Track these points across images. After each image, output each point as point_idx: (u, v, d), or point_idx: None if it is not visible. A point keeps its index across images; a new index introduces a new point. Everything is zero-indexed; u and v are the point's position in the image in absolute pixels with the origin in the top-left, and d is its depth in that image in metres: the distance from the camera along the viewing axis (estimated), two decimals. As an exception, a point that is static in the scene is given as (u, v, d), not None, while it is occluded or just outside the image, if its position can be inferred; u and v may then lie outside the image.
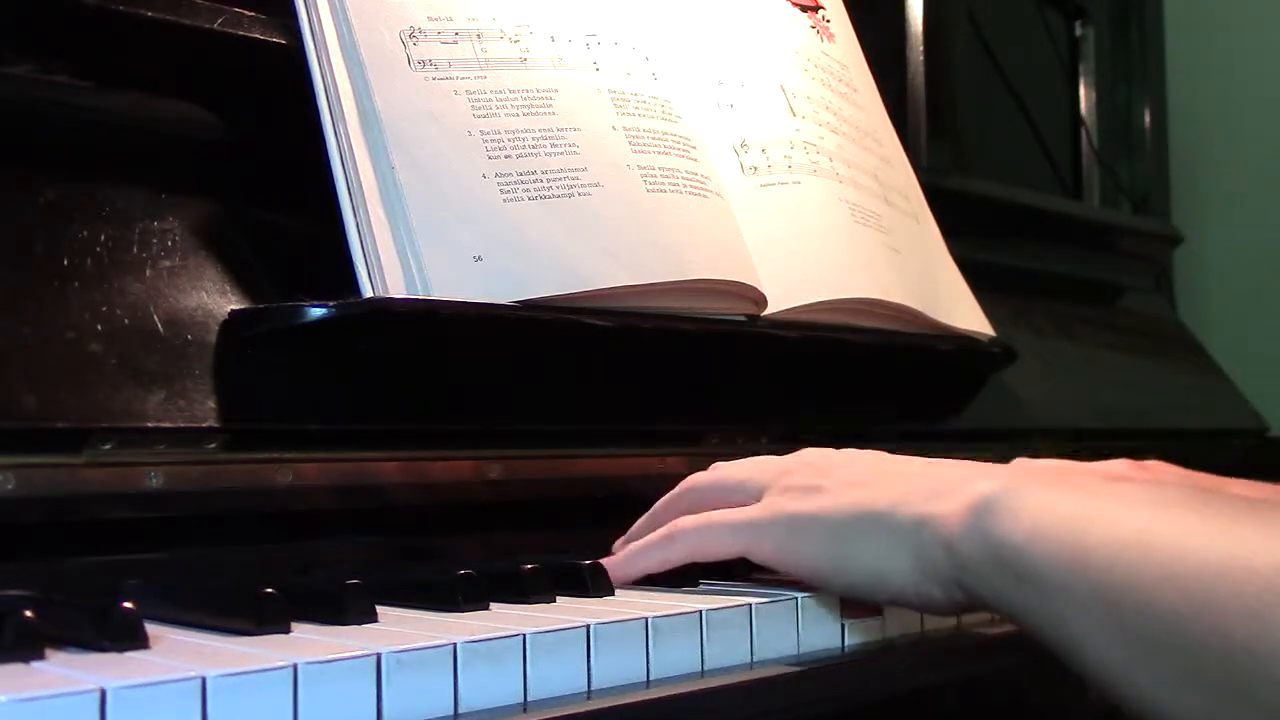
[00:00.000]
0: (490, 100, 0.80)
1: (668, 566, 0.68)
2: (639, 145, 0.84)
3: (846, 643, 0.65)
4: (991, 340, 1.09)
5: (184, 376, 0.69)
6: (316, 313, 0.71)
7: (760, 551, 0.66)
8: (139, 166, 0.74)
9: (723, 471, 0.72)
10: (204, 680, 0.43)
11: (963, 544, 0.59)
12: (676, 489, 0.73)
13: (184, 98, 0.78)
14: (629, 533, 0.73)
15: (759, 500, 0.68)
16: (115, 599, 0.50)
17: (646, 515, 0.73)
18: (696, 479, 0.72)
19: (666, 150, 0.85)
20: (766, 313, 0.89)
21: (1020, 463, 0.72)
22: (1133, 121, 1.79)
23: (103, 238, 0.70)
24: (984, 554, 0.58)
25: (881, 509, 0.63)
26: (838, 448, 0.71)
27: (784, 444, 0.95)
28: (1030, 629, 0.58)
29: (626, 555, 0.69)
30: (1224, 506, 0.54)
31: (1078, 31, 1.72)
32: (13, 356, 0.63)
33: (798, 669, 0.60)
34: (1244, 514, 0.53)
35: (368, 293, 0.72)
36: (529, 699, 0.51)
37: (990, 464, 0.64)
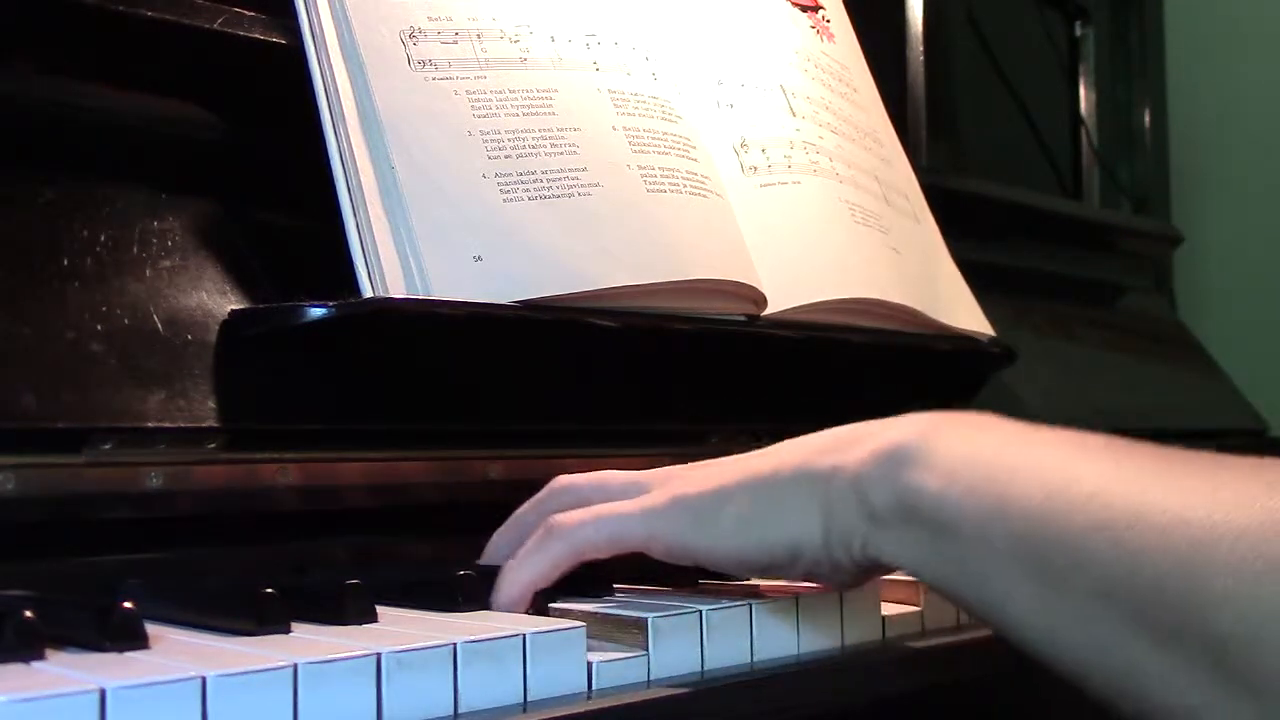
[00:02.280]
0: (490, 100, 0.80)
1: (556, 572, 0.61)
2: (639, 145, 0.84)
3: (846, 643, 0.65)
4: (991, 340, 1.09)
5: (184, 376, 0.69)
6: (317, 313, 0.71)
7: (661, 541, 0.60)
8: (139, 166, 0.74)
9: (605, 474, 0.66)
10: (204, 680, 0.43)
11: (874, 495, 0.55)
12: (545, 490, 0.67)
13: (184, 98, 0.78)
14: (489, 544, 0.68)
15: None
16: (115, 599, 0.50)
17: (509, 521, 0.68)
18: (571, 480, 0.66)
19: (666, 150, 0.85)
20: (766, 313, 0.89)
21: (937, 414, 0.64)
22: (1133, 121, 1.79)
23: (103, 238, 0.70)
24: (896, 505, 0.54)
25: (783, 469, 0.58)
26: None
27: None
28: (946, 587, 0.55)
29: (506, 573, 0.61)
30: (1151, 453, 0.51)
31: (1078, 31, 1.72)
32: (13, 356, 0.63)
33: (798, 669, 0.60)
34: (1173, 462, 0.50)
35: (368, 293, 0.72)
36: (529, 699, 0.51)
37: (902, 416, 0.58)
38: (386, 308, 0.72)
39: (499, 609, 0.60)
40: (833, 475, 0.57)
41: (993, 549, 0.52)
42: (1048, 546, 0.50)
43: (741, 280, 0.85)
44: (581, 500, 0.64)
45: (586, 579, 0.64)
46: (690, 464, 0.64)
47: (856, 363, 0.98)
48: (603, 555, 0.62)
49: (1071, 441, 0.54)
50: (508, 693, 0.51)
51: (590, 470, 0.68)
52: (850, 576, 0.60)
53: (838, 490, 0.57)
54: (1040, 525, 0.50)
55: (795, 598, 0.63)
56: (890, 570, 0.60)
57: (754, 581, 0.68)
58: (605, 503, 0.63)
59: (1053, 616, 0.51)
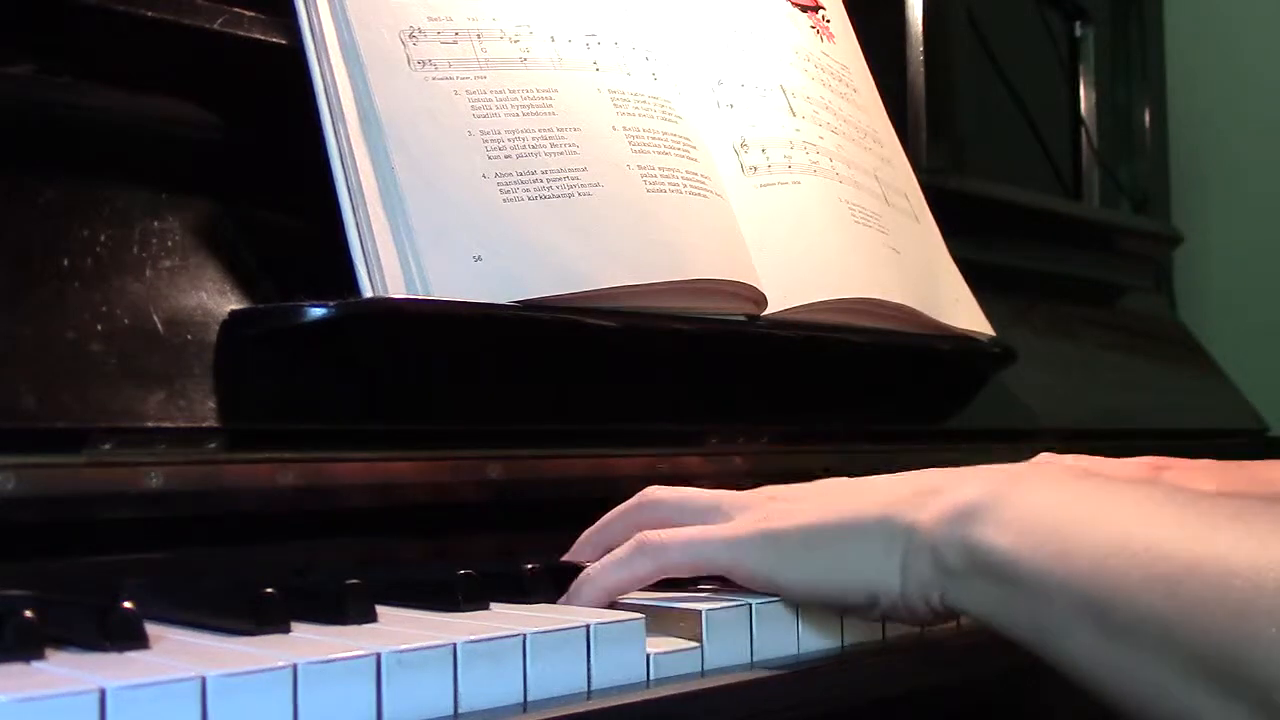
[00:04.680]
0: (490, 100, 0.80)
1: (637, 585, 0.64)
2: (639, 145, 0.84)
3: (846, 643, 0.65)
4: (991, 340, 1.09)
5: (184, 376, 0.69)
6: (317, 312, 0.71)
7: (743, 569, 0.63)
8: (139, 166, 0.74)
9: (690, 492, 0.69)
10: (204, 680, 0.43)
11: (947, 551, 0.58)
12: (634, 501, 0.69)
13: (184, 98, 0.78)
14: (576, 544, 0.70)
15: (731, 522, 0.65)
16: (115, 599, 0.50)
17: (598, 525, 0.70)
18: (659, 494, 0.69)
19: (666, 150, 0.85)
20: (766, 313, 0.89)
21: (1015, 466, 0.70)
22: (1133, 121, 1.79)
23: (103, 238, 0.70)
24: (968, 560, 0.58)
25: (866, 518, 0.61)
26: (838, 448, 0.71)
27: (784, 444, 0.95)
28: (1018, 637, 0.57)
29: (595, 571, 0.64)
30: (1208, 507, 0.54)
31: (1078, 31, 1.72)
32: (13, 356, 0.63)
33: (797, 669, 0.60)
34: (1227, 513, 0.53)
35: (368, 293, 0.72)
36: (529, 699, 0.51)
37: (977, 467, 0.62)
38: (386, 308, 0.72)
39: (578, 604, 0.63)
40: (911, 531, 0.60)
41: (1057, 602, 0.54)
42: (1108, 600, 0.53)
43: (741, 280, 0.85)
44: (659, 518, 0.67)
45: None
46: (778, 488, 0.67)
47: (856, 363, 0.98)
48: (684, 576, 0.65)
49: (1133, 496, 0.56)
50: (508, 692, 0.51)
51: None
52: (924, 620, 0.62)
53: (915, 546, 0.60)
54: (1101, 579, 0.53)
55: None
56: (965, 616, 0.63)
57: None
58: (691, 524, 0.65)
59: (1113, 665, 0.53)
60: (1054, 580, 0.54)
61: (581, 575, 0.65)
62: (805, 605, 0.63)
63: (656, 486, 0.69)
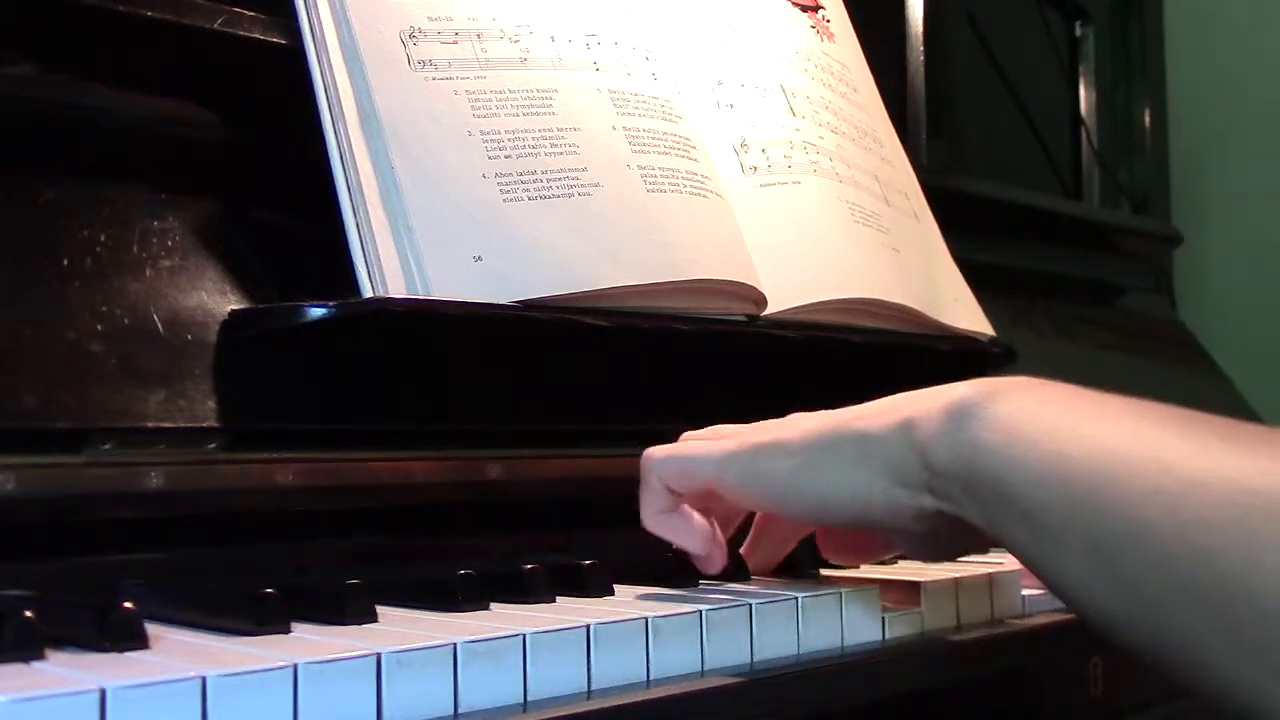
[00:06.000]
0: (490, 100, 0.80)
1: (659, 502, 0.66)
2: (639, 145, 0.84)
3: (846, 643, 0.65)
4: (991, 340, 1.09)
5: (184, 376, 0.69)
6: (317, 313, 0.71)
7: (728, 480, 0.64)
8: (139, 166, 0.74)
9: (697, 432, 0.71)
10: (204, 680, 0.43)
11: (938, 448, 0.56)
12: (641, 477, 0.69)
13: (184, 98, 0.77)
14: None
15: None
16: (115, 599, 0.50)
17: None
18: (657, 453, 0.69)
19: (666, 150, 0.85)
20: (766, 313, 0.89)
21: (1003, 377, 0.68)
22: (1133, 121, 1.79)
23: (103, 238, 0.70)
24: (959, 459, 0.55)
25: (850, 421, 0.61)
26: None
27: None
28: (1005, 542, 0.55)
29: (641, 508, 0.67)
30: (1218, 425, 0.51)
31: (1078, 31, 1.72)
32: (13, 356, 0.63)
33: (798, 669, 0.60)
34: (1235, 433, 0.50)
35: (368, 293, 0.72)
36: (529, 699, 0.51)
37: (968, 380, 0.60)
38: (386, 308, 0.72)
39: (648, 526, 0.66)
40: (898, 428, 0.58)
41: (1049, 509, 0.52)
42: (1103, 510, 0.50)
43: (741, 280, 0.85)
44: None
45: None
46: (775, 420, 0.67)
47: (856, 363, 0.98)
48: (685, 490, 0.66)
49: (1134, 408, 0.54)
50: (508, 692, 0.51)
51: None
52: (907, 522, 0.60)
53: (902, 442, 0.58)
54: (1098, 487, 0.51)
55: (796, 598, 0.63)
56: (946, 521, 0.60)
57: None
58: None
59: (1104, 582, 0.51)
60: (1047, 487, 0.52)
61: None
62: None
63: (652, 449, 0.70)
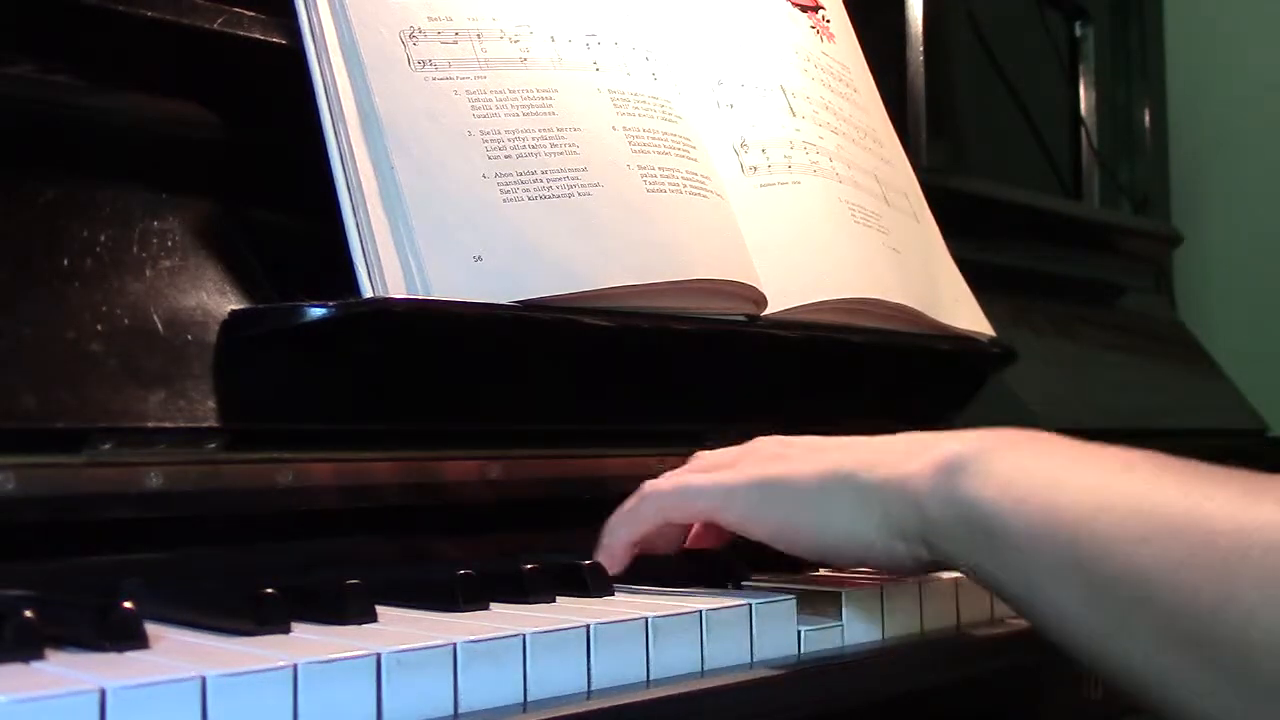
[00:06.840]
0: (490, 100, 0.80)
1: (645, 528, 0.68)
2: (639, 145, 0.84)
3: (846, 643, 0.65)
4: (991, 340, 1.09)
5: (184, 376, 0.69)
6: (317, 313, 0.71)
7: (730, 513, 0.66)
8: (139, 166, 0.74)
9: (699, 454, 0.72)
10: (204, 680, 0.43)
11: (931, 502, 0.59)
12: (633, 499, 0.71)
13: (184, 98, 0.77)
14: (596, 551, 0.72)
15: None
16: (115, 599, 0.50)
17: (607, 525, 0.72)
18: (657, 485, 0.71)
19: (666, 150, 0.85)
20: (766, 313, 0.89)
21: (1002, 429, 0.71)
22: (1133, 121, 1.79)
23: (103, 238, 0.70)
24: (953, 513, 0.58)
25: (851, 469, 0.63)
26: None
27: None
28: (999, 589, 0.58)
29: (609, 528, 0.69)
30: (1193, 470, 0.54)
31: (1078, 31, 1.72)
32: (13, 356, 0.63)
33: (798, 669, 0.60)
34: (1212, 477, 0.53)
35: (368, 293, 0.72)
36: (529, 699, 0.51)
37: (960, 430, 0.64)
38: (386, 308, 0.72)
39: (600, 558, 0.67)
40: (892, 482, 0.61)
41: (1042, 557, 0.55)
42: (1093, 557, 0.53)
43: (741, 280, 0.85)
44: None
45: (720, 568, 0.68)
46: (774, 440, 0.70)
47: (856, 363, 0.98)
48: (682, 520, 0.69)
49: (1119, 459, 0.57)
50: (508, 692, 0.51)
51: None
52: (905, 569, 0.63)
53: (897, 496, 0.60)
54: (1087, 537, 0.53)
55: (795, 598, 0.63)
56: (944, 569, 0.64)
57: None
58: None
59: (1094, 623, 0.53)
60: (1039, 535, 0.55)
61: (601, 535, 0.69)
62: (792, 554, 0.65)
63: (657, 481, 0.71)
